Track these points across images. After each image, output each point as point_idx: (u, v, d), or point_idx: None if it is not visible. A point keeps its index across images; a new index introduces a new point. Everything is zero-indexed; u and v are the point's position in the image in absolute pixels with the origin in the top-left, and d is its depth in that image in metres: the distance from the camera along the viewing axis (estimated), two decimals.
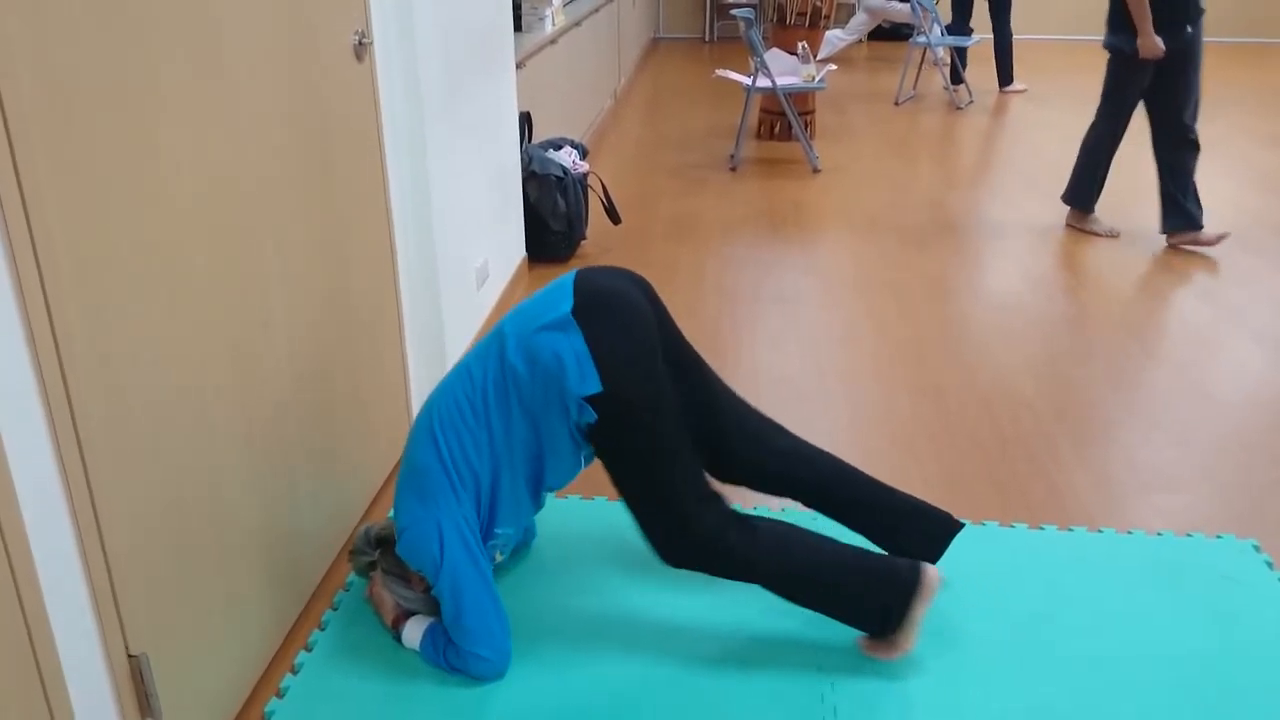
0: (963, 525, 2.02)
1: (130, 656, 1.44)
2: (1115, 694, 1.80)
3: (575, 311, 1.72)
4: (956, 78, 7.55)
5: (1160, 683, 1.82)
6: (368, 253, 2.25)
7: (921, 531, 2.00)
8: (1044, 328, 3.40)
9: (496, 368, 1.79)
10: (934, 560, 1.99)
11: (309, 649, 1.92)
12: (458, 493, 1.81)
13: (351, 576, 2.10)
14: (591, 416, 1.72)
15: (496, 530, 1.87)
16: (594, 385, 1.69)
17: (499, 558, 1.97)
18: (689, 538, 1.79)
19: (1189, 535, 2.26)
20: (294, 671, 1.86)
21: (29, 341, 1.22)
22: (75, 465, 1.30)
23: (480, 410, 1.79)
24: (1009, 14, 7.44)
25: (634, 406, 1.73)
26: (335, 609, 2.02)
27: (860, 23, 9.20)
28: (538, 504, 1.95)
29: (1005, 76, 7.69)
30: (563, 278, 1.82)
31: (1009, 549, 2.20)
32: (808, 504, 2.01)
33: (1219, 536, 2.25)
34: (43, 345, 1.23)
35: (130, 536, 1.41)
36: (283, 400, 1.86)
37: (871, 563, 1.83)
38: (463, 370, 1.85)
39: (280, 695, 1.80)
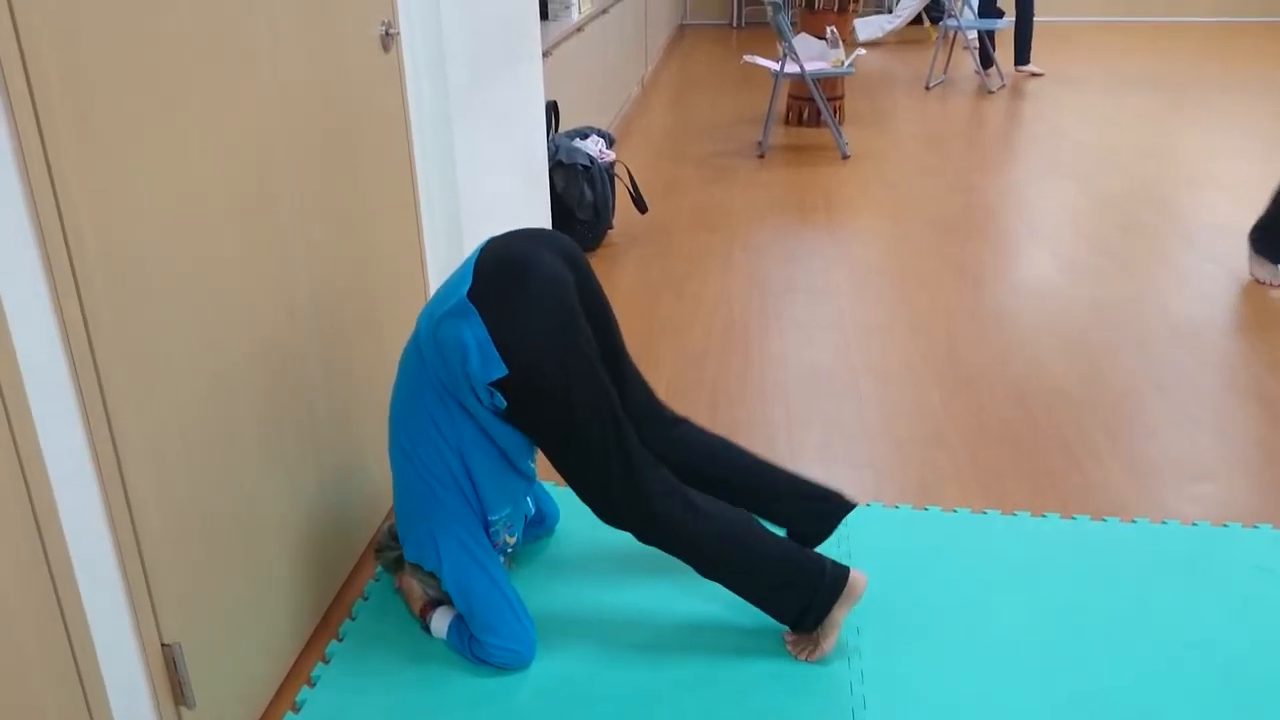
0: (854, 505, 2.02)
1: (164, 646, 1.46)
2: (1148, 685, 1.78)
3: (472, 293, 1.66)
4: (986, 61, 7.46)
5: (1194, 674, 1.80)
6: (396, 243, 2.26)
7: (813, 513, 2.01)
8: (1078, 317, 3.35)
9: (417, 361, 1.76)
10: (824, 538, 2.01)
11: (339, 639, 1.93)
12: (437, 493, 1.80)
13: (380, 567, 2.11)
14: (501, 402, 1.69)
15: (491, 517, 1.86)
16: (498, 370, 1.64)
17: (510, 539, 1.95)
18: (630, 500, 1.76)
19: (1225, 526, 2.22)
20: (325, 661, 1.88)
21: (62, 334, 1.23)
22: (109, 460, 1.31)
23: (420, 406, 1.76)
24: None
25: (545, 385, 1.67)
26: (365, 599, 2.04)
27: (909, 4, 9.08)
28: (524, 478, 1.93)
29: (1022, 56, 7.61)
30: (471, 253, 1.76)
31: (1041, 539, 2.18)
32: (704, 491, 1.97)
33: (1256, 527, 2.22)
34: (74, 334, 1.24)
35: (163, 528, 1.43)
36: (312, 391, 1.87)
37: (802, 559, 1.82)
38: (399, 369, 1.83)
39: (311, 684, 1.82)
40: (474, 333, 1.64)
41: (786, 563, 1.81)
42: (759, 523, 1.85)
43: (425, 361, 1.74)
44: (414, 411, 1.78)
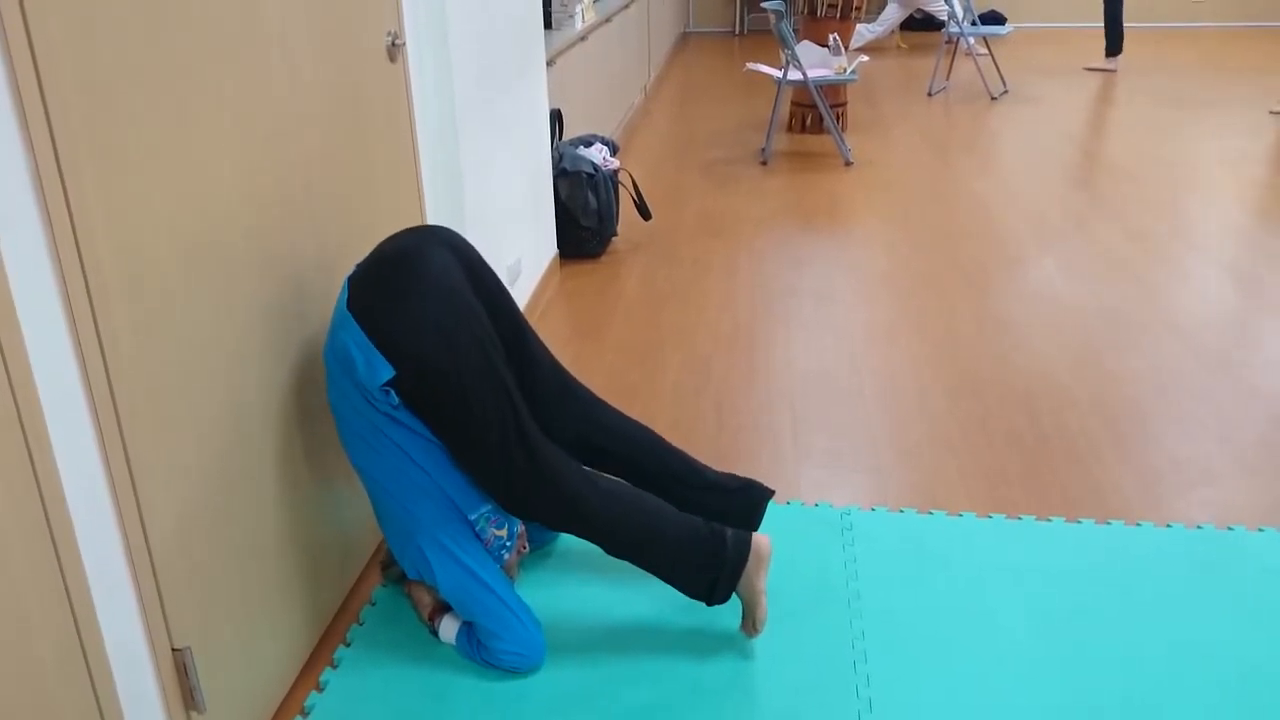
0: (772, 492, 2.05)
1: (174, 650, 1.47)
2: (1154, 689, 1.78)
3: (349, 304, 1.68)
4: (1115, 45, 7.82)
5: (1200, 678, 1.80)
6: None
7: (736, 506, 2.02)
8: (1083, 321, 3.36)
9: (335, 391, 1.76)
10: (753, 529, 2.02)
11: (348, 644, 1.94)
12: (409, 508, 1.79)
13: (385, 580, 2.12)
14: (396, 400, 1.70)
15: (470, 515, 1.84)
16: (385, 370, 1.65)
17: (499, 533, 1.91)
18: (537, 485, 1.76)
19: (1230, 529, 2.23)
20: (333, 666, 1.89)
21: (75, 346, 1.24)
22: (121, 466, 1.33)
23: (358, 429, 1.76)
24: None
25: (436, 375, 1.67)
26: (373, 605, 2.05)
27: (891, 15, 9.11)
28: None
29: (1114, 44, 7.88)
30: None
31: (1046, 543, 2.18)
32: (624, 479, 1.98)
33: (1260, 530, 2.22)
34: (88, 346, 1.26)
35: (173, 533, 1.44)
36: (323, 397, 1.88)
37: (704, 533, 1.84)
38: (331, 409, 1.83)
39: (320, 689, 1.83)
40: (354, 339, 1.66)
41: (689, 537, 1.83)
42: (660, 501, 1.86)
43: (340, 386, 1.74)
44: (355, 435, 1.77)
